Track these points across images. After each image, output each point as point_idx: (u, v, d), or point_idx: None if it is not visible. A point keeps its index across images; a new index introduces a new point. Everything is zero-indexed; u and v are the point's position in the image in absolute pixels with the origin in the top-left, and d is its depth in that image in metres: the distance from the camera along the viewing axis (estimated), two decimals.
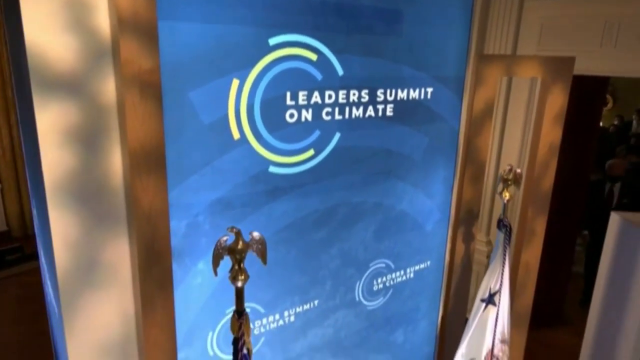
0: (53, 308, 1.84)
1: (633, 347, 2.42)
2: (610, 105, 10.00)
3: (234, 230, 1.25)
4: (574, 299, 4.72)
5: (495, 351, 2.30)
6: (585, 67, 3.39)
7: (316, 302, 2.07)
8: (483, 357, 2.28)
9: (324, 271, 2.06)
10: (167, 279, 1.49)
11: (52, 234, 1.36)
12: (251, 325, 1.79)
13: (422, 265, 2.46)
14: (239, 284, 1.27)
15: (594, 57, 3.39)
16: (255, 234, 1.28)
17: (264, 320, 1.93)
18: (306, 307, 2.04)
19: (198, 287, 1.69)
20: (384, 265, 2.28)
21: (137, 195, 1.36)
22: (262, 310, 1.89)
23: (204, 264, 1.68)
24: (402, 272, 2.38)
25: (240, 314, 1.29)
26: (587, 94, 4.04)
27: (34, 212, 2.20)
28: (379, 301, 2.32)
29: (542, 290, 3.58)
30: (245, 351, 1.31)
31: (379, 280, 2.29)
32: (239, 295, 1.29)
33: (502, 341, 2.31)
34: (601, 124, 9.40)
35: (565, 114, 2.31)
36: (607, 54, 3.37)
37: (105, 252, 1.47)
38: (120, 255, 1.50)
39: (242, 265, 1.26)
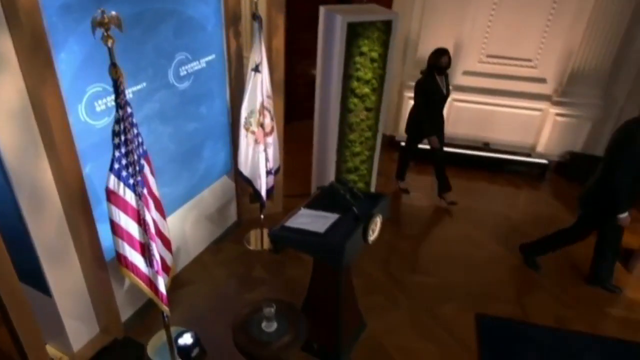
0: None
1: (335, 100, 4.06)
2: None
3: (101, 9, 2.06)
4: None
5: (265, 103, 3.66)
6: None
7: (144, 84, 2.99)
8: (258, 107, 3.61)
9: (145, 61, 2.95)
10: (48, 59, 2.23)
11: None
12: (104, 100, 2.67)
13: (210, 57, 3.52)
14: (109, 44, 2.13)
15: None
16: (113, 13, 2.11)
17: (112, 97, 2.78)
18: (139, 87, 2.95)
19: (63, 72, 2.44)
20: (184, 56, 3.26)
21: None
22: (109, 89, 2.73)
23: (65, 54, 2.41)
24: (198, 62, 3.41)
25: (114, 66, 2.18)
26: None
27: None
28: (186, 84, 3.36)
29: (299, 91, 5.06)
30: (126, 95, 2.23)
31: (183, 68, 3.29)
32: (111, 53, 2.16)
33: (268, 96, 3.67)
34: None
35: None
36: None
37: None
38: (5, 48, 2.14)
39: (109, 32, 2.11)
